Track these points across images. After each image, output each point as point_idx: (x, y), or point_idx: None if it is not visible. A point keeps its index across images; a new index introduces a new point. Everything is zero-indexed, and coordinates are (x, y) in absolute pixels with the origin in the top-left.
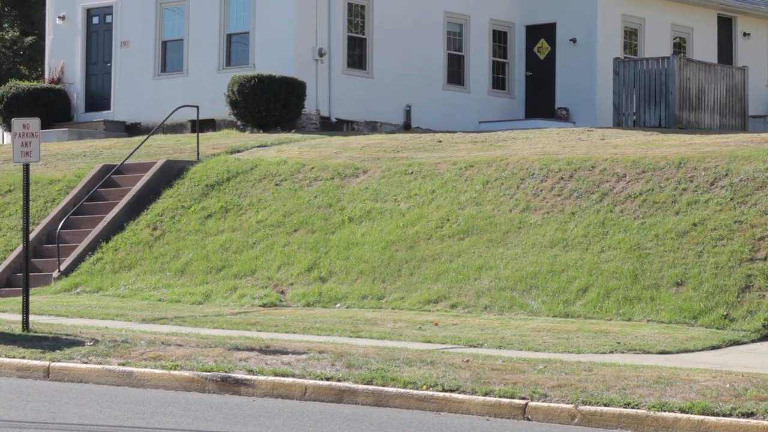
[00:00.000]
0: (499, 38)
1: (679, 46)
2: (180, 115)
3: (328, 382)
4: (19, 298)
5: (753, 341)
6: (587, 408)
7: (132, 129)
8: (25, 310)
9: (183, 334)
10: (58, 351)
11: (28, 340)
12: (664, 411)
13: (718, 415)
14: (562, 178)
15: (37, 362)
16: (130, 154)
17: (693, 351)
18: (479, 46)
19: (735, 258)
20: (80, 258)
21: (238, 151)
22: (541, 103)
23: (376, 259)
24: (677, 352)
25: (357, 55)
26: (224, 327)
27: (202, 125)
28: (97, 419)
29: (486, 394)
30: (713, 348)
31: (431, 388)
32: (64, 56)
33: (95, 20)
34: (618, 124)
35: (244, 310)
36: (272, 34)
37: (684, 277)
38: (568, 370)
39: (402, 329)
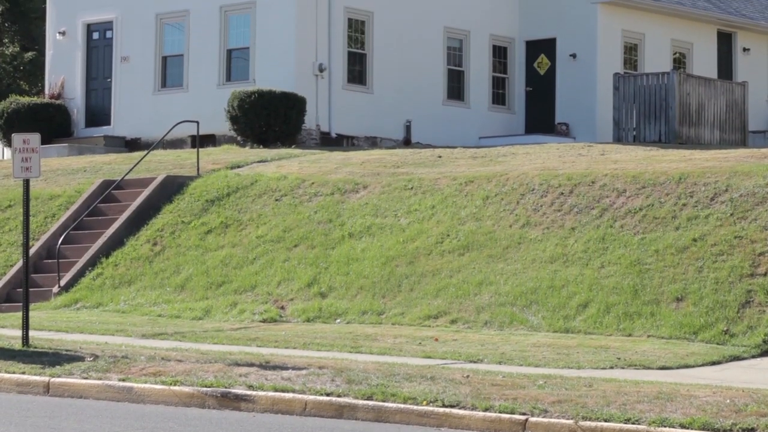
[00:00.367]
0: (499, 53)
1: (679, 62)
2: (180, 131)
3: (328, 398)
4: (19, 314)
5: (753, 357)
6: (587, 423)
7: (132, 144)
8: (25, 326)
9: (183, 349)
10: (58, 366)
11: (28, 355)
12: (665, 426)
13: (718, 430)
14: (562, 193)
15: (37, 378)
16: (130, 170)
17: (693, 366)
18: (479, 62)
19: (735, 273)
20: (80, 273)
21: (239, 167)
22: (541, 118)
23: (376, 274)
24: (677, 368)
25: (357, 70)
26: (224, 342)
27: (202, 140)
28: None
29: (486, 410)
30: (713, 363)
31: (431, 404)
32: (64, 71)
33: (95, 35)
34: (618, 139)
35: (244, 325)
36: (272, 49)
37: (684, 293)
38: (569, 386)
39: (402, 344)
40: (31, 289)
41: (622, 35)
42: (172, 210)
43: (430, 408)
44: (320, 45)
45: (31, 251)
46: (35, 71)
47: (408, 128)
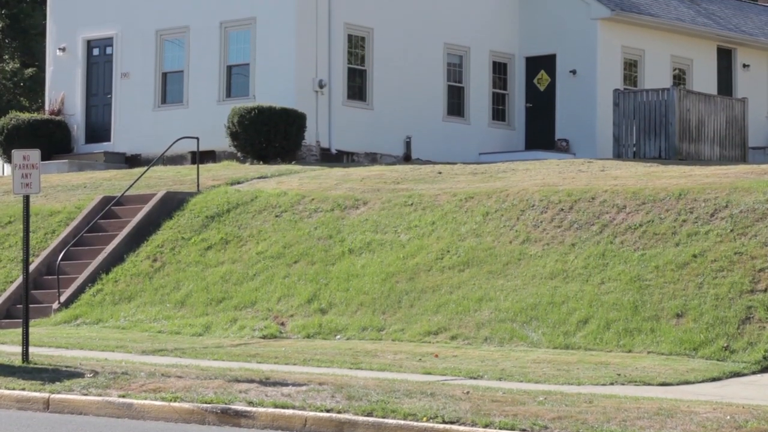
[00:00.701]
0: (499, 70)
1: (679, 78)
2: (180, 147)
3: (328, 414)
4: (19, 330)
5: (754, 373)
6: None
7: (132, 160)
8: (25, 342)
9: (183, 365)
10: (57, 383)
11: (27, 371)
12: None
13: None
14: (562, 209)
15: (37, 394)
16: (130, 186)
17: (693, 383)
18: (479, 78)
19: (735, 289)
20: (80, 289)
21: (238, 183)
22: (541, 134)
23: (376, 290)
24: (678, 384)
25: (357, 86)
26: (224, 359)
27: (202, 157)
28: None
29: (486, 426)
30: (714, 380)
31: (431, 420)
32: (64, 88)
33: (95, 52)
34: (618, 155)
35: (244, 341)
36: (272, 65)
37: (684, 309)
38: (569, 402)
39: (402, 361)
40: (31, 305)
41: (622, 51)
42: (172, 226)
43: (430, 424)
44: (320, 61)
45: (31, 267)
46: (35, 87)
47: (408, 144)
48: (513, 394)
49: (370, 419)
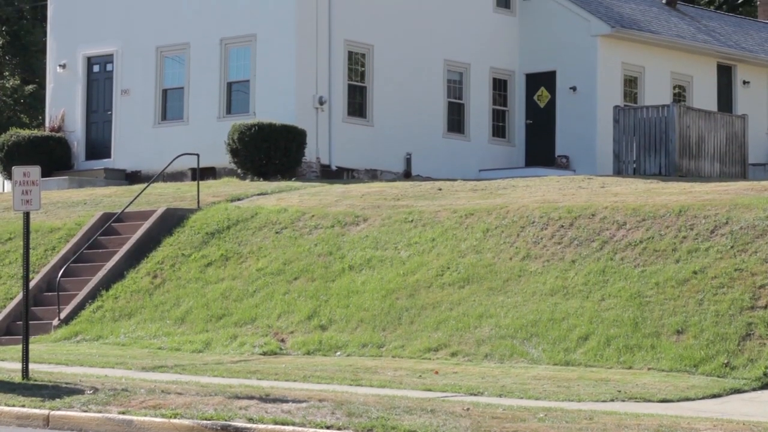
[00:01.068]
0: (499, 86)
1: (679, 94)
2: (180, 163)
3: (328, 431)
4: (19, 347)
5: (754, 389)
6: None
7: (132, 177)
8: (25, 359)
9: (183, 382)
10: (57, 399)
11: (27, 388)
12: None
13: None
14: (563, 226)
15: (37, 411)
16: (131, 202)
17: (694, 399)
18: (479, 95)
19: (735, 306)
20: (80, 306)
21: (239, 199)
22: (541, 151)
23: (377, 307)
24: (678, 401)
25: (357, 103)
26: (224, 375)
27: (202, 173)
28: None
29: None
30: (714, 396)
31: None
32: (64, 104)
33: (96, 68)
34: (618, 172)
35: (244, 358)
36: (272, 82)
37: (685, 325)
38: (569, 419)
39: (402, 377)
40: (31, 322)
41: (622, 68)
42: (173, 243)
43: None
44: (320, 78)
45: (31, 284)
46: (36, 104)
47: (408, 161)
48: (513, 411)
49: None
